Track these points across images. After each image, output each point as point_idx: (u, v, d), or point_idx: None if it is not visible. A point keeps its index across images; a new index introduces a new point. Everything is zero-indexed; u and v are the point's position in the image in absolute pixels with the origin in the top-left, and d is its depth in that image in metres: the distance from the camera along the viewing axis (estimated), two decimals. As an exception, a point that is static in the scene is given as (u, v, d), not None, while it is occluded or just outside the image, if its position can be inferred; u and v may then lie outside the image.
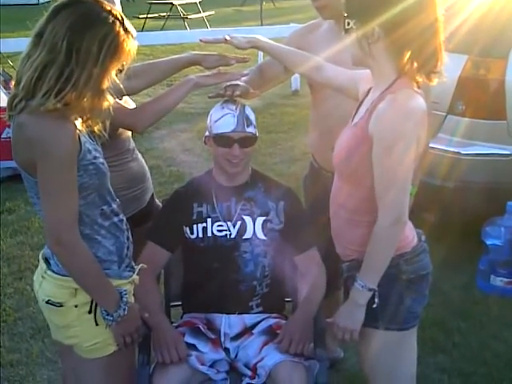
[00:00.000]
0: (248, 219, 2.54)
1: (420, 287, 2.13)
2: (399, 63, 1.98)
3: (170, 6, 16.42)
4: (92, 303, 2.01)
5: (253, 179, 2.62)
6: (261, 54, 9.89)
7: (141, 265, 2.16)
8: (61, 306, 2.01)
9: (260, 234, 2.53)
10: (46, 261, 2.07)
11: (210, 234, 2.53)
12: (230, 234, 2.53)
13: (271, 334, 2.44)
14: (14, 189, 5.48)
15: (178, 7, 16.37)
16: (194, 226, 2.54)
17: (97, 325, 2.03)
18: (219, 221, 2.54)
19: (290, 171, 5.90)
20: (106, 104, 1.93)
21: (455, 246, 4.06)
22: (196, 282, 2.59)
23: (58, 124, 1.85)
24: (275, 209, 2.57)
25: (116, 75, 1.96)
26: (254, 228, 2.53)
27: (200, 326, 2.47)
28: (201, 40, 2.47)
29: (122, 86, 2.16)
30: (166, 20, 16.19)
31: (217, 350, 2.42)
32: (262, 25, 12.83)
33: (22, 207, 5.24)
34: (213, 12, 17.22)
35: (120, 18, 1.89)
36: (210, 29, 14.16)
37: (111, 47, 1.85)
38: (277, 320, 2.53)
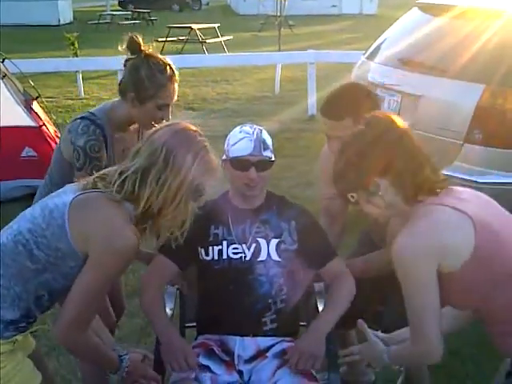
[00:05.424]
0: (262, 241, 2.56)
1: None
2: (407, 195, 2.03)
3: (189, 30, 16.65)
4: None
5: (267, 202, 2.65)
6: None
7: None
8: None
9: (274, 256, 2.55)
10: None
11: (225, 257, 2.55)
12: (245, 257, 2.54)
13: (285, 357, 2.43)
14: (32, 207, 5.52)
15: (197, 31, 16.58)
16: (210, 247, 2.56)
17: None
18: (235, 243, 2.56)
19: (305, 195, 5.91)
20: (188, 214, 2.11)
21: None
22: (211, 304, 2.60)
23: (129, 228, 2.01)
24: (287, 229, 2.59)
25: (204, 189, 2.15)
26: (269, 250, 2.55)
27: (214, 348, 2.48)
28: None
29: None
30: (185, 44, 16.39)
31: (231, 372, 2.42)
32: (279, 50, 12.95)
33: (39, 225, 5.27)
34: (231, 37, 17.40)
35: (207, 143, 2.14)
36: (228, 53, 14.32)
37: (202, 160, 2.06)
38: (291, 344, 2.52)
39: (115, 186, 2.02)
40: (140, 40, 2.59)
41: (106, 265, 1.97)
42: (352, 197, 2.08)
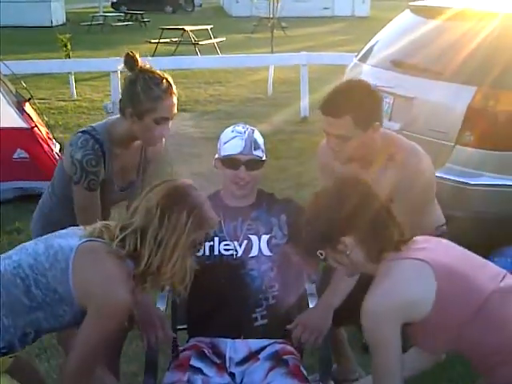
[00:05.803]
0: (254, 238, 2.59)
1: None
2: (371, 254, 2.09)
3: (182, 31, 16.64)
4: None
5: (258, 199, 2.68)
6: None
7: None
8: None
9: (266, 251, 2.57)
10: None
11: (216, 253, 2.57)
12: (237, 254, 2.57)
13: (277, 359, 2.43)
14: (24, 209, 5.50)
15: (190, 33, 16.57)
16: None
17: None
18: (226, 240, 2.59)
19: (298, 196, 5.89)
20: (188, 270, 2.14)
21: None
22: (202, 301, 2.59)
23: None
24: (277, 224, 2.62)
25: (201, 244, 2.21)
26: (260, 245, 2.58)
27: (205, 351, 2.48)
28: None
29: None
30: (178, 45, 16.38)
31: (222, 374, 2.41)
32: (272, 52, 12.96)
33: (31, 227, 5.26)
34: (224, 38, 17.41)
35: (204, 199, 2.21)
36: (220, 55, 14.33)
37: (197, 217, 2.09)
38: (283, 345, 2.52)
39: (117, 240, 2.06)
40: (137, 56, 2.57)
41: (103, 318, 2.02)
42: (321, 254, 2.14)
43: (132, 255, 2.07)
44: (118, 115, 2.67)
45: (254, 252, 2.57)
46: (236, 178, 2.57)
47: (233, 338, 2.51)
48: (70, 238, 2.10)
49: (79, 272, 2.02)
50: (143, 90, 2.52)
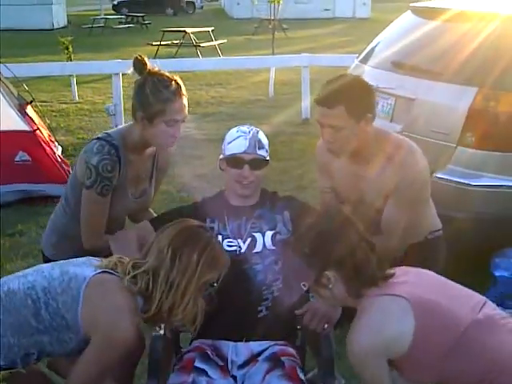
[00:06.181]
0: (258, 235, 2.61)
1: None
2: (351, 290, 2.15)
3: (183, 33, 16.66)
4: None
5: (261, 198, 2.71)
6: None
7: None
8: None
9: (269, 245, 2.59)
10: None
11: None
12: (240, 250, 2.58)
13: (275, 360, 2.43)
14: (26, 212, 5.53)
15: (191, 35, 16.59)
16: None
17: None
18: (229, 238, 2.60)
19: (298, 198, 5.91)
20: (199, 310, 2.17)
21: (463, 276, 4.03)
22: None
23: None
24: (282, 220, 2.64)
25: (213, 285, 2.23)
26: (264, 241, 2.59)
27: (208, 352, 2.47)
28: None
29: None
30: (179, 48, 16.40)
31: (225, 377, 2.41)
32: (273, 53, 12.96)
33: (34, 230, 5.26)
34: (225, 40, 17.43)
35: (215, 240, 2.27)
36: (222, 57, 14.34)
37: (208, 258, 2.13)
38: (282, 347, 2.51)
39: (128, 276, 2.09)
40: (145, 59, 2.57)
41: (106, 347, 2.04)
42: (304, 285, 2.20)
43: (143, 294, 2.09)
44: (127, 120, 2.68)
45: (258, 248, 2.58)
46: (240, 177, 2.59)
47: (235, 341, 2.50)
48: (85, 267, 2.13)
49: (89, 301, 2.04)
50: (152, 93, 2.52)
